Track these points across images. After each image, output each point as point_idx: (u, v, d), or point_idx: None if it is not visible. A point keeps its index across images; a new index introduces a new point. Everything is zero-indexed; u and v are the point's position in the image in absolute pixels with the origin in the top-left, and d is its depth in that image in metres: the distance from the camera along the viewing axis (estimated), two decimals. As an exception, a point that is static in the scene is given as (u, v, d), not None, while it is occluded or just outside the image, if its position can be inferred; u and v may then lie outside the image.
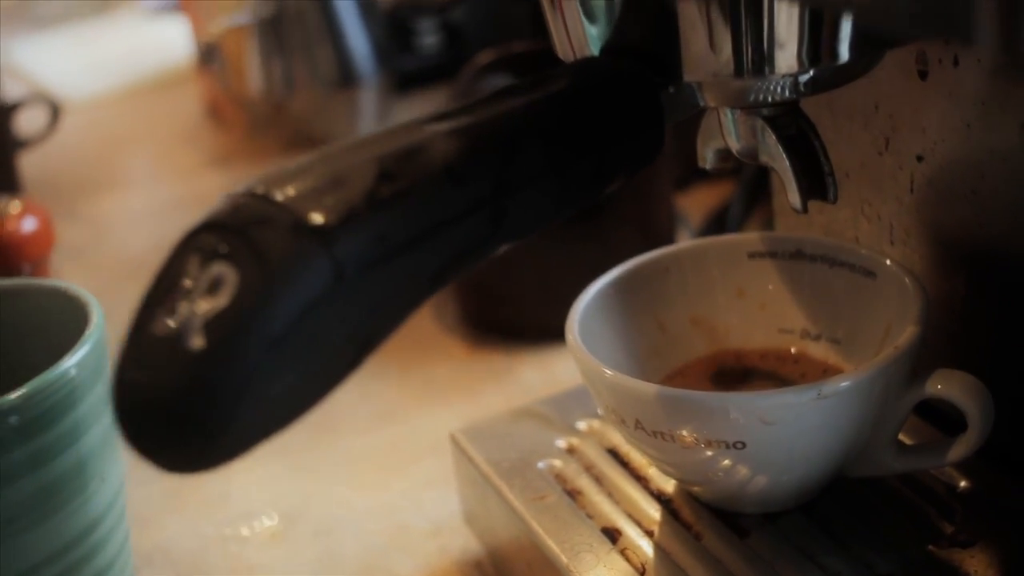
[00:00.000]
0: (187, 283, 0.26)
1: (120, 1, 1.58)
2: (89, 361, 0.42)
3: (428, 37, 1.03)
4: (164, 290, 0.27)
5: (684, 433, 0.38)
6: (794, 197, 0.37)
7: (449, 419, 0.58)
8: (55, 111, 0.98)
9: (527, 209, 0.31)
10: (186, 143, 1.09)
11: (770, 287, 0.46)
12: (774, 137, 0.37)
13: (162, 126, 1.15)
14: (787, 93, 0.35)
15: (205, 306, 0.26)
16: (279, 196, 0.27)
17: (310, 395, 0.27)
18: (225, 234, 0.27)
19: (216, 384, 0.25)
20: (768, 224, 0.69)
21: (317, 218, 0.26)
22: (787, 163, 0.37)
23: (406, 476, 0.56)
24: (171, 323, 0.26)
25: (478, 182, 0.29)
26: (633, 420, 0.39)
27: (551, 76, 0.33)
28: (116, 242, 0.90)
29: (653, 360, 0.45)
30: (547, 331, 0.64)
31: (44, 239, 0.63)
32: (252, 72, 0.99)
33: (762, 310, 0.46)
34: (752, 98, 0.36)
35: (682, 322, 0.46)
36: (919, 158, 0.42)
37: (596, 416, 0.49)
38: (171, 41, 1.36)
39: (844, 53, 0.34)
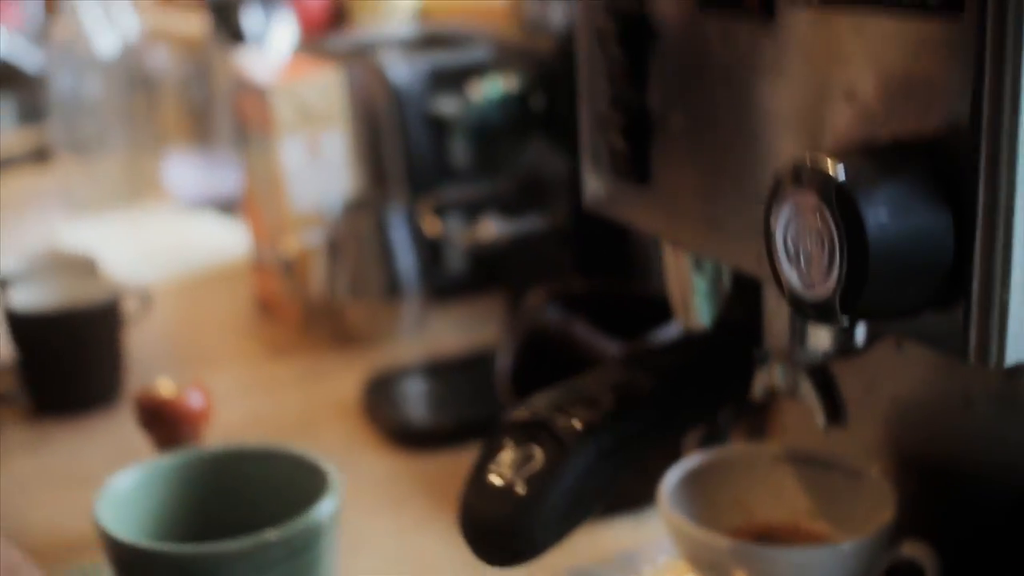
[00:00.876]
0: (508, 454, 0.46)
1: (153, 191, 1.77)
2: (332, 511, 0.60)
3: (457, 260, 1.25)
4: (492, 457, 0.46)
5: (743, 572, 0.58)
6: (821, 422, 0.58)
7: None
8: (146, 301, 1.17)
9: (680, 424, 0.51)
10: (241, 334, 1.27)
11: (787, 480, 0.66)
12: (809, 383, 0.58)
13: (215, 316, 1.33)
14: (820, 357, 0.57)
15: (524, 469, 0.46)
16: (562, 407, 0.47)
17: (575, 525, 0.47)
18: (529, 428, 0.47)
19: (533, 516, 0.45)
20: (752, 429, 0.90)
21: (591, 422, 0.46)
22: (818, 401, 0.58)
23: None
24: (501, 477, 0.46)
25: (663, 406, 0.49)
26: (709, 563, 0.59)
27: (690, 343, 0.54)
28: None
29: (707, 527, 0.65)
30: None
31: (208, 412, 0.81)
32: (315, 280, 1.19)
33: (782, 495, 0.66)
34: (798, 358, 0.57)
35: (727, 502, 0.66)
36: (892, 399, 0.63)
37: (654, 565, 0.68)
38: (208, 235, 1.56)
39: (861, 340, 0.55)
